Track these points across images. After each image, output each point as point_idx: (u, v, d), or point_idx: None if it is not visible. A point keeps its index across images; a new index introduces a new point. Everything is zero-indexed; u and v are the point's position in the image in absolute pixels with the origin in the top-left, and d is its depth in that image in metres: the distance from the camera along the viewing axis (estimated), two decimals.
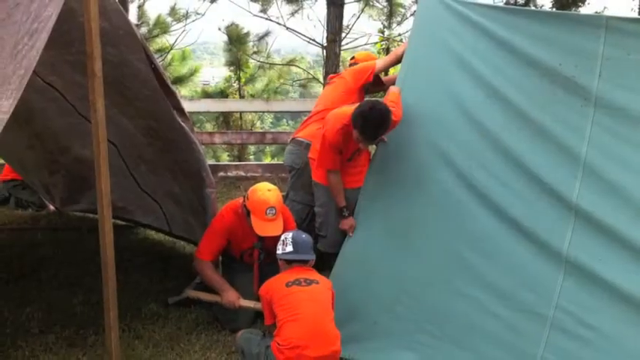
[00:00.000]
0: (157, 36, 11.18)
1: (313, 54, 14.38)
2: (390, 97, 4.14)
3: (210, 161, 8.78)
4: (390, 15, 11.04)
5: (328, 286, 3.65)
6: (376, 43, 11.00)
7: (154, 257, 5.50)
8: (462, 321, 3.78)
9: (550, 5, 9.67)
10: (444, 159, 4.01)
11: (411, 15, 10.65)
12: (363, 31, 11.60)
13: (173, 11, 11.20)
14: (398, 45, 9.72)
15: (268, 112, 11.79)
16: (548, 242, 3.65)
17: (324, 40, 9.67)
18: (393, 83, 4.39)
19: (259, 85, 11.87)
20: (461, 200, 3.92)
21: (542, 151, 3.76)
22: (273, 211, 4.01)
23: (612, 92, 3.65)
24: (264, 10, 10.77)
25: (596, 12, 9.00)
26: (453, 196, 3.94)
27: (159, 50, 11.11)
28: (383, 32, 10.88)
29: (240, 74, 11.66)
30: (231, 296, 4.12)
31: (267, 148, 12.59)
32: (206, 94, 11.71)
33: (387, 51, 10.21)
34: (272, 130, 14.22)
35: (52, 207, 6.82)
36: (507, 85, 3.90)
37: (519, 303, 3.66)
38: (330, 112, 4.37)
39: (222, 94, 11.69)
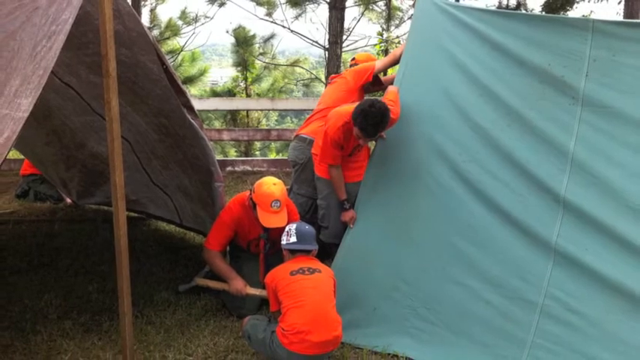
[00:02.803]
0: (168, 38, 11.20)
1: (316, 55, 14.39)
2: (389, 96, 4.14)
3: (219, 157, 8.78)
4: (389, 18, 11.04)
5: (330, 275, 3.65)
6: (375, 44, 10.99)
7: (165, 247, 5.50)
8: (456, 307, 3.79)
9: (540, 9, 9.66)
10: (439, 154, 4.01)
11: (409, 18, 10.66)
12: (363, 33, 11.62)
13: (183, 15, 11.22)
14: (396, 47, 9.72)
15: (273, 110, 11.77)
16: (537, 233, 3.66)
17: (326, 42, 9.68)
18: (392, 83, 4.39)
19: (265, 84, 11.90)
20: (455, 193, 3.92)
21: (532, 147, 3.76)
22: (278, 204, 4.01)
23: (598, 91, 3.65)
24: (269, 14, 10.80)
25: (584, 15, 8.98)
26: (448, 190, 3.95)
27: (170, 52, 11.14)
28: (382, 34, 10.86)
29: (247, 74, 11.69)
30: (238, 284, 4.13)
31: (273, 145, 12.61)
32: (214, 93, 11.75)
33: (386, 52, 10.20)
34: (277, 127, 14.23)
35: (68, 200, 6.82)
36: (499, 85, 3.90)
37: (510, 290, 3.66)
38: (331, 111, 4.37)
39: (229, 93, 11.72)
